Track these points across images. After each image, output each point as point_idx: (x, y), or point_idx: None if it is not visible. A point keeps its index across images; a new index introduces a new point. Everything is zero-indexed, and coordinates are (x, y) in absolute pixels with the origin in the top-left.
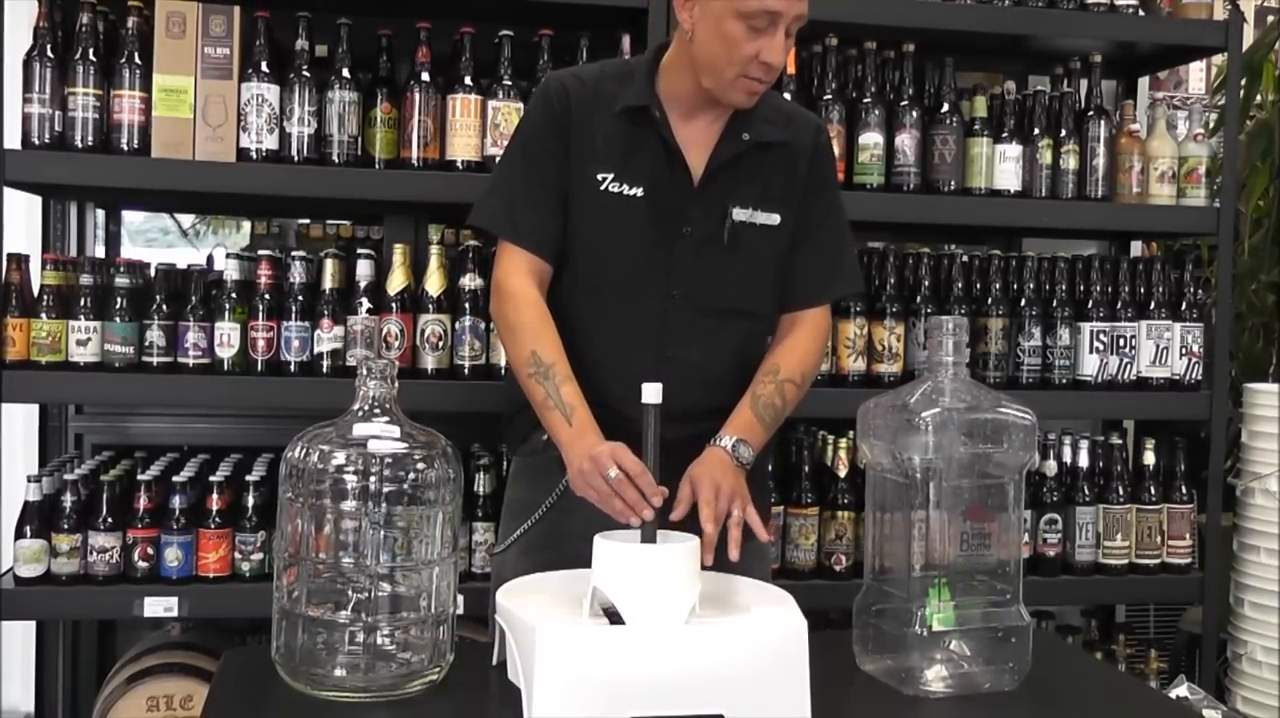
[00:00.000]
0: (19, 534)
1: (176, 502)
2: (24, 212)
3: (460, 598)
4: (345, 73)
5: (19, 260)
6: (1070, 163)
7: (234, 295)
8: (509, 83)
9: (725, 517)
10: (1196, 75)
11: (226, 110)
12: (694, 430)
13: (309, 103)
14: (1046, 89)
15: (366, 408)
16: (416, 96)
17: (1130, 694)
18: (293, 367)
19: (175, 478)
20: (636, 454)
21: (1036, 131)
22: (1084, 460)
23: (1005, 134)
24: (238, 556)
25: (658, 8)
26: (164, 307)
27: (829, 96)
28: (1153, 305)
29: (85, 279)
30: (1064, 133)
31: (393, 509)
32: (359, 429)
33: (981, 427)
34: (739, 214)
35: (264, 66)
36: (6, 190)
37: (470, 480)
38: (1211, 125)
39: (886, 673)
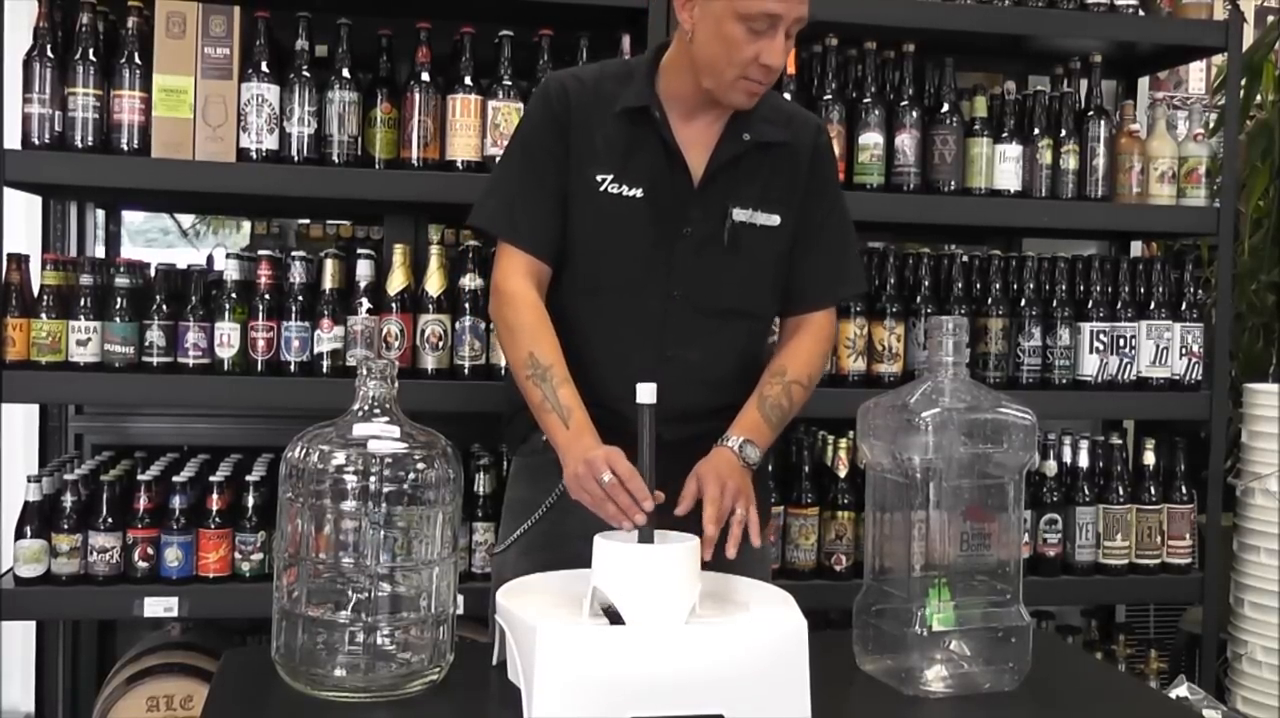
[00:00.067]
0: (19, 534)
1: (176, 502)
2: (24, 212)
3: (460, 598)
4: (345, 73)
5: (19, 260)
6: (1070, 163)
7: (234, 295)
8: (509, 83)
9: (729, 513)
10: (1196, 75)
11: (226, 110)
12: (694, 431)
13: (309, 103)
14: (1046, 89)
15: (366, 408)
16: (416, 96)
17: (1130, 694)
18: (293, 367)
19: (175, 478)
20: (634, 455)
21: (1036, 131)
22: (1084, 460)
23: (1005, 134)
24: (238, 556)
25: (658, 8)
26: (164, 307)
27: (829, 96)
28: (1153, 305)
29: (85, 279)
30: (1064, 133)
31: (393, 509)
32: (359, 429)
33: (981, 427)
34: (739, 214)
35: (264, 66)
36: (6, 190)
37: (470, 480)
38: (1211, 125)
39: (886, 673)
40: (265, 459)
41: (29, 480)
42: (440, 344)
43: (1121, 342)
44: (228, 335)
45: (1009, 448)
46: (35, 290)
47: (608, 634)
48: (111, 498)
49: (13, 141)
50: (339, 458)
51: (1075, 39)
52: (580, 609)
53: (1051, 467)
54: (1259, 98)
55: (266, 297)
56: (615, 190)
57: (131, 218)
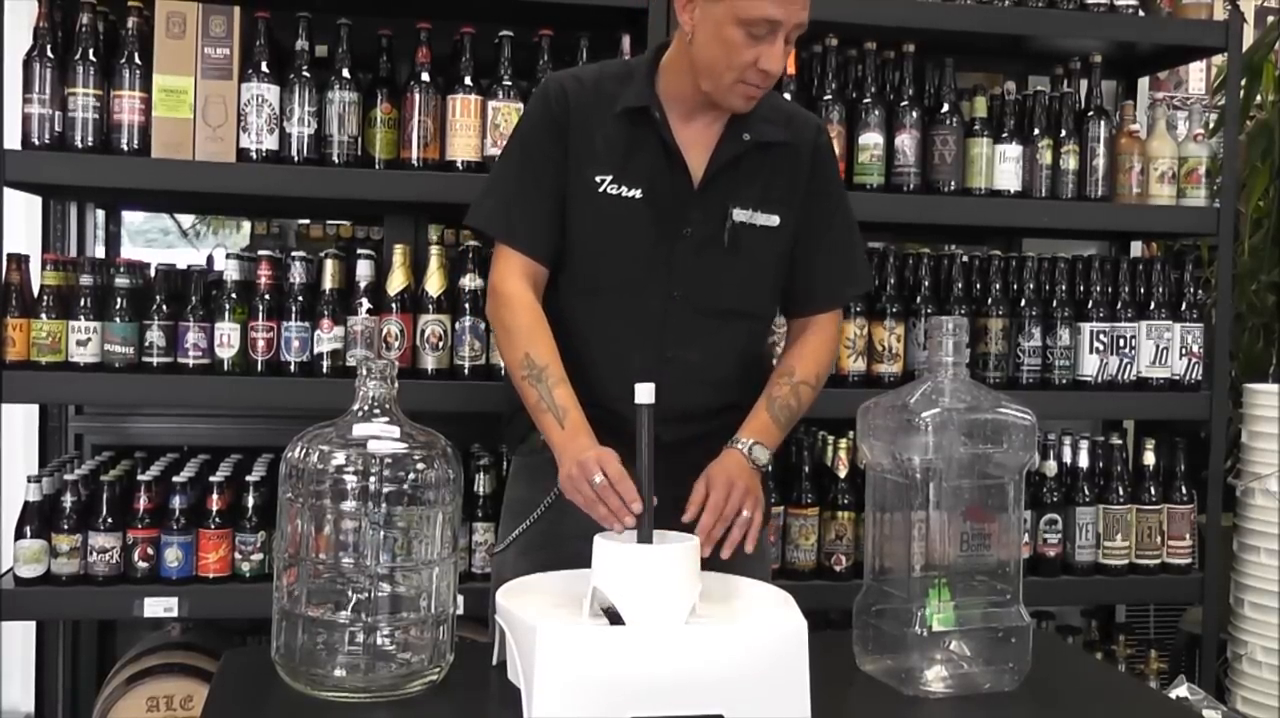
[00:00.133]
0: (19, 534)
1: (176, 502)
2: (24, 212)
3: (460, 598)
4: (345, 73)
5: (19, 260)
6: (1070, 163)
7: (234, 296)
8: (509, 83)
9: (735, 514)
10: (1196, 75)
11: (226, 110)
12: (694, 431)
13: (309, 103)
14: (1046, 89)
15: (366, 408)
16: (416, 97)
17: (1130, 694)
18: (293, 367)
19: (175, 478)
20: (633, 456)
21: (1036, 132)
22: (1084, 461)
23: (1005, 134)
24: (238, 556)
25: (658, 8)
26: (164, 307)
27: (829, 97)
28: (1153, 306)
29: (85, 279)
30: (1064, 133)
31: (393, 509)
32: (359, 429)
33: (981, 427)
34: (739, 215)
35: (264, 67)
36: (6, 190)
37: (470, 481)
38: (1211, 125)
39: (886, 673)
40: (265, 459)
41: (29, 481)
42: (440, 344)
43: (1121, 342)
44: (228, 335)
45: (1009, 448)
46: (35, 290)
47: (608, 634)
48: (111, 498)
49: (13, 142)
50: (339, 458)
51: (1075, 39)
52: (580, 609)
53: (1051, 467)
54: (1259, 98)
55: (266, 297)
56: (614, 191)
57: (131, 218)
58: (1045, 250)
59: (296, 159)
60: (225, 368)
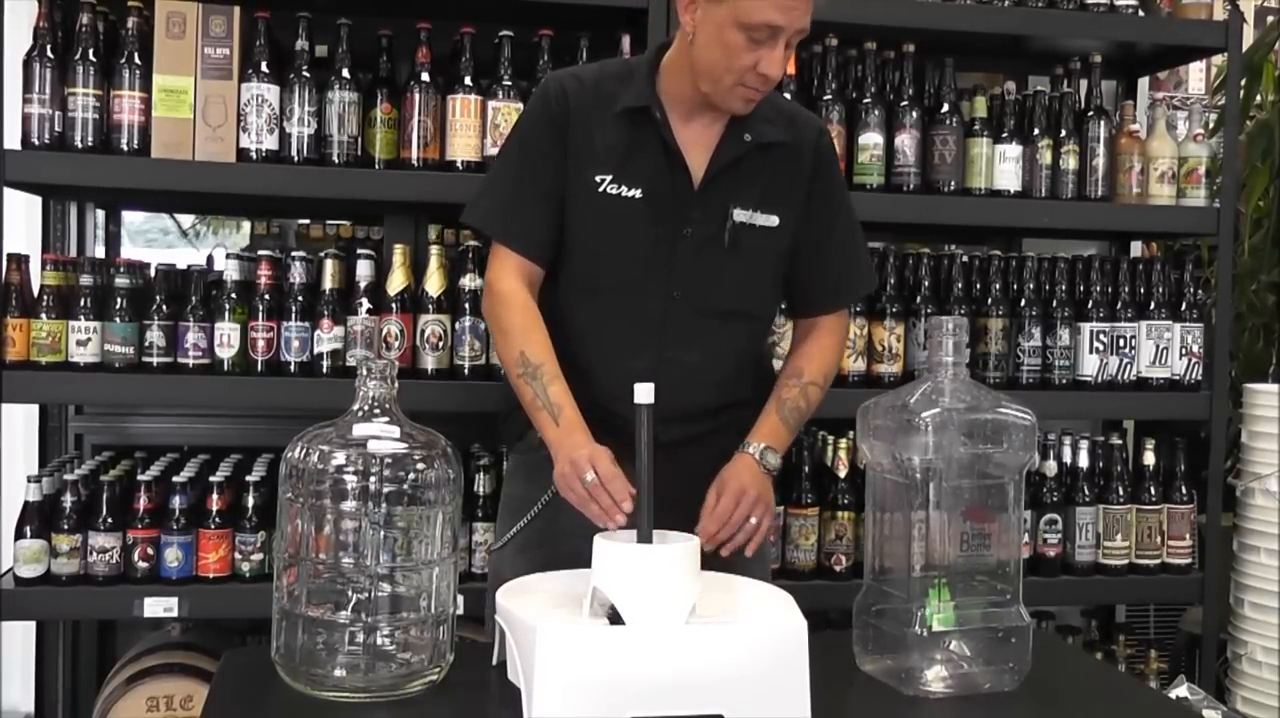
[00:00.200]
0: (19, 534)
1: (176, 502)
2: (24, 212)
3: (460, 598)
4: (345, 73)
5: (19, 260)
6: (1070, 163)
7: (234, 296)
8: (509, 83)
9: (743, 521)
10: (1196, 75)
11: (226, 110)
12: (692, 431)
13: (309, 103)
14: (1046, 89)
15: (366, 408)
16: (416, 97)
17: (1130, 694)
18: (293, 367)
19: (175, 478)
20: (629, 455)
21: (1036, 132)
22: (1084, 461)
23: (1005, 134)
24: (238, 556)
25: (658, 8)
26: (164, 307)
27: (829, 97)
28: (1153, 306)
29: (85, 279)
30: (1064, 133)
31: (393, 509)
32: (359, 429)
33: (981, 427)
34: (739, 215)
35: (264, 67)
36: (6, 190)
37: (470, 481)
38: (1211, 125)
39: (886, 673)
40: (265, 459)
41: (29, 481)
42: (440, 344)
43: (1121, 342)
44: (228, 335)
45: (1009, 448)
46: (35, 290)
47: (608, 634)
48: (111, 498)
49: (13, 142)
50: (339, 458)
51: (1075, 39)
52: (580, 609)
53: (1051, 467)
54: (1259, 98)
55: (266, 297)
56: (614, 191)
57: (131, 218)
58: (1045, 250)
59: (296, 159)
60: (225, 368)
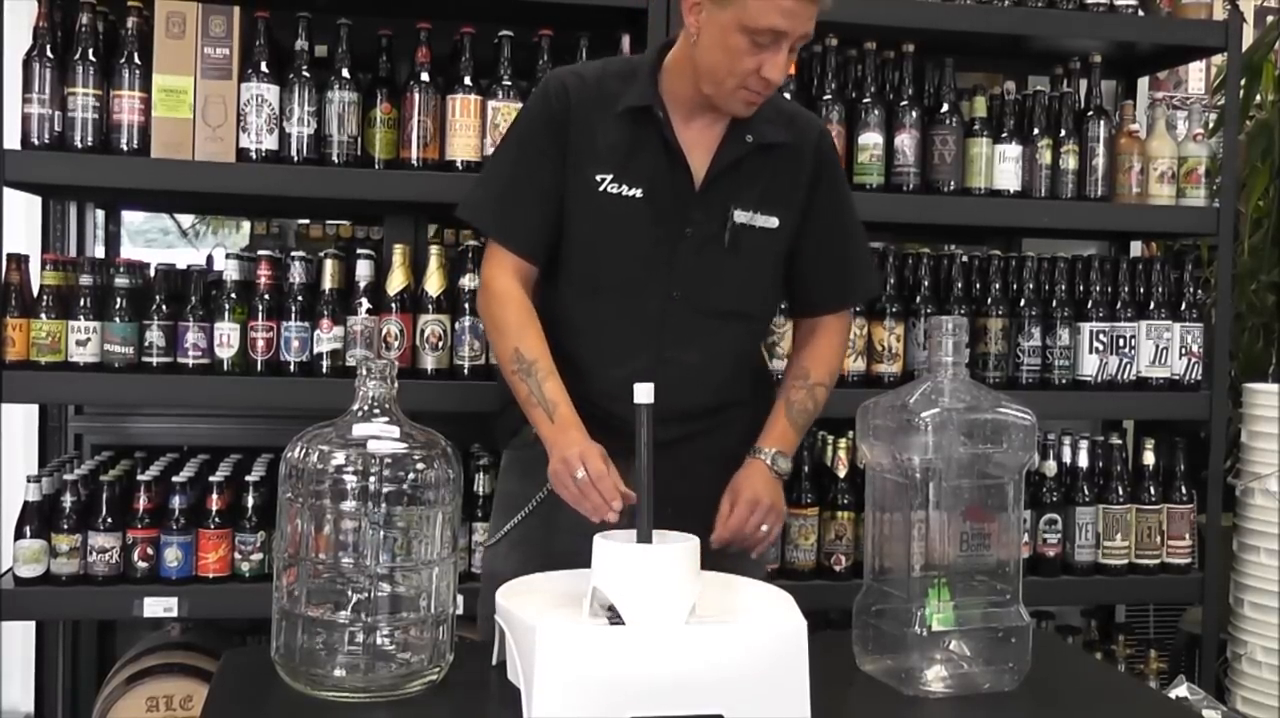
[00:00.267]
0: (19, 534)
1: (176, 502)
2: (24, 212)
3: (460, 598)
4: (345, 73)
5: (19, 260)
6: (1070, 163)
7: (234, 296)
8: (509, 83)
9: (757, 528)
10: (1196, 75)
11: (226, 110)
12: (689, 430)
13: (309, 103)
14: (1046, 89)
15: (366, 408)
16: (416, 97)
17: (1130, 694)
18: (292, 367)
19: (175, 478)
20: (622, 453)
21: (1036, 132)
22: (1084, 461)
23: (1005, 134)
24: (237, 556)
25: (658, 8)
26: (164, 307)
27: (829, 96)
28: (1152, 305)
29: (85, 279)
30: (1064, 133)
31: (392, 509)
32: (359, 429)
33: (981, 427)
34: (740, 216)
35: (264, 67)
36: (6, 190)
37: (470, 480)
38: (1211, 125)
39: (886, 673)
40: (265, 459)
41: (29, 481)
42: (440, 344)
43: (1121, 342)
44: (227, 335)
45: (1009, 448)
46: (35, 290)
47: (608, 634)
48: (111, 498)
49: (13, 142)
50: (339, 458)
51: (1075, 39)
52: (580, 609)
53: (1051, 467)
54: (1259, 98)
55: (266, 297)
56: (615, 190)
57: (131, 218)
58: (1045, 250)
59: (296, 159)
60: (225, 368)
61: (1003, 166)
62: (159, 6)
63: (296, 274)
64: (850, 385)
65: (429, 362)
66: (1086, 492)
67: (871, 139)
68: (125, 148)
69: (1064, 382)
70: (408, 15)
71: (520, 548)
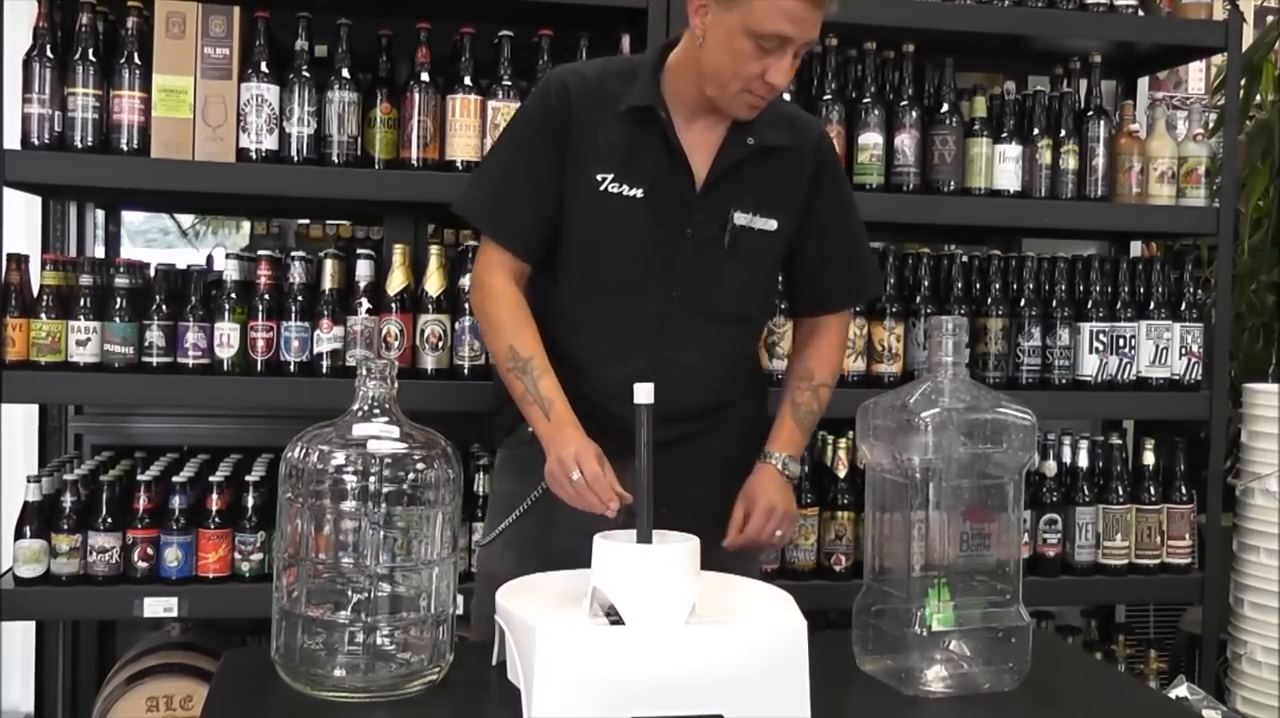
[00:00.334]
0: (19, 534)
1: (176, 502)
2: (24, 212)
3: (460, 598)
4: (345, 73)
5: (19, 260)
6: (1070, 163)
7: (234, 296)
8: (509, 83)
9: (771, 535)
10: (1196, 75)
11: (226, 110)
12: (686, 430)
13: (309, 103)
14: (1046, 89)
15: (366, 408)
16: (416, 97)
17: (1130, 694)
18: (292, 367)
19: (175, 478)
20: (617, 452)
21: (1036, 132)
22: (1084, 461)
23: (1005, 134)
24: (237, 556)
25: (658, 8)
26: (164, 307)
27: (829, 96)
28: (1152, 306)
29: (85, 279)
30: (1064, 133)
31: (392, 509)
32: (358, 429)
33: (981, 427)
34: (739, 218)
35: (264, 67)
36: (6, 190)
37: (470, 481)
38: (1211, 125)
39: (886, 673)
40: (265, 459)
41: (29, 481)
42: (440, 344)
43: (1121, 342)
44: (227, 335)
45: (1009, 448)
46: (35, 290)
47: (608, 634)
48: (111, 498)
49: (13, 142)
50: (339, 458)
51: (1075, 39)
52: (580, 609)
53: (1051, 467)
54: (1259, 98)
55: (266, 297)
56: (615, 190)
57: (131, 218)
58: (1045, 250)
59: (296, 159)
60: (225, 368)
61: (1003, 167)
62: (159, 6)
63: (296, 274)
64: (850, 385)
65: (429, 362)
66: (1086, 492)
67: (871, 139)
68: (125, 148)
69: (1064, 382)
70: (408, 15)
71: (515, 547)
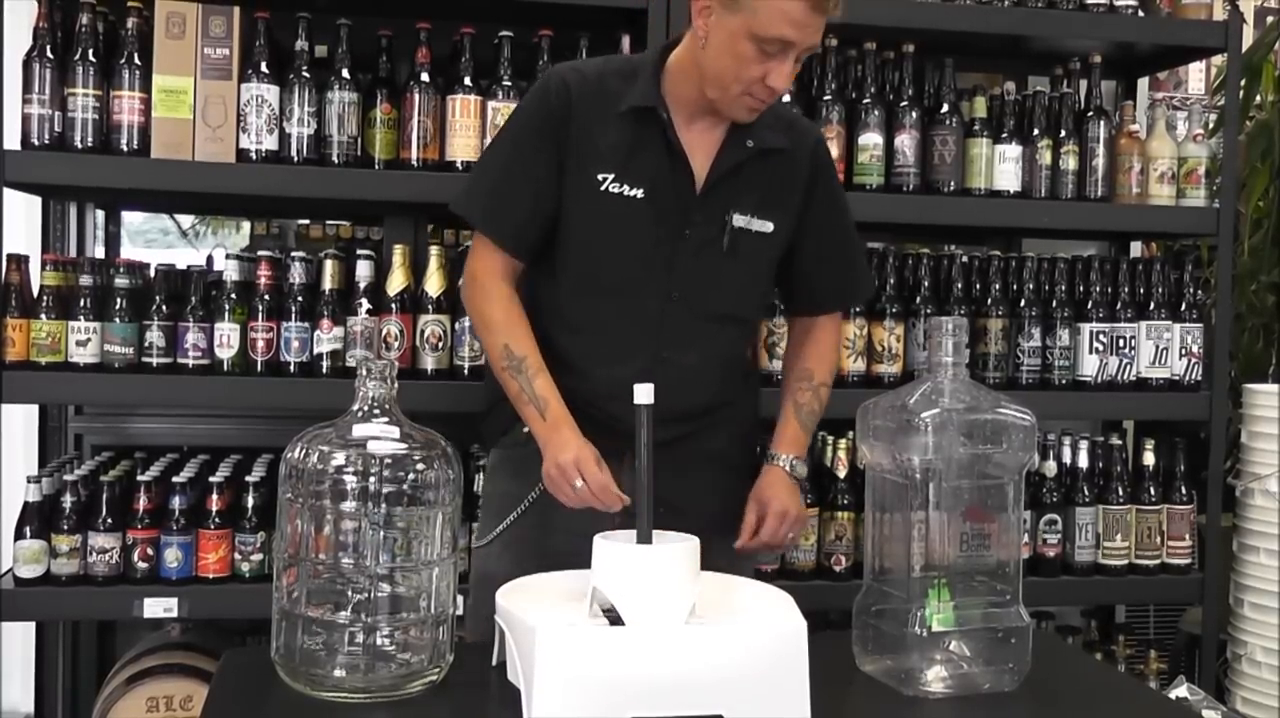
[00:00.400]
0: (19, 535)
1: (176, 502)
2: (24, 212)
3: (460, 598)
4: (345, 73)
5: (19, 261)
6: (1070, 163)
7: (234, 296)
8: (509, 83)
9: (783, 538)
10: (1196, 76)
11: (226, 111)
12: (682, 430)
13: (309, 103)
14: (1046, 89)
15: (366, 408)
16: (416, 97)
17: (1130, 695)
18: (292, 367)
19: (175, 479)
20: (614, 452)
21: (1036, 132)
22: (1084, 461)
23: (1005, 134)
24: (237, 556)
25: (658, 8)
26: (164, 307)
27: (829, 97)
28: (1152, 306)
29: (85, 280)
30: (1064, 133)
31: (392, 510)
32: (358, 430)
33: (981, 427)
34: (738, 220)
35: (264, 67)
36: (6, 191)
37: (470, 481)
38: (1211, 126)
39: (886, 674)
40: (265, 460)
41: (29, 481)
42: (440, 345)
43: (1121, 342)
44: (227, 336)
45: (1009, 448)
46: (35, 291)
47: (607, 635)
48: (111, 499)
49: (13, 142)
50: (339, 458)
51: (1075, 39)
52: (580, 609)
53: (1051, 467)
54: (1259, 98)
55: (266, 297)
56: (617, 190)
57: (131, 218)
58: (1045, 250)
59: (296, 159)
60: (225, 368)
61: (1003, 167)
62: (159, 7)
63: (296, 274)
64: (850, 386)
65: (429, 362)
66: (1086, 492)
67: (871, 139)
68: (125, 148)
69: (1064, 382)
70: (408, 15)
71: (513, 548)
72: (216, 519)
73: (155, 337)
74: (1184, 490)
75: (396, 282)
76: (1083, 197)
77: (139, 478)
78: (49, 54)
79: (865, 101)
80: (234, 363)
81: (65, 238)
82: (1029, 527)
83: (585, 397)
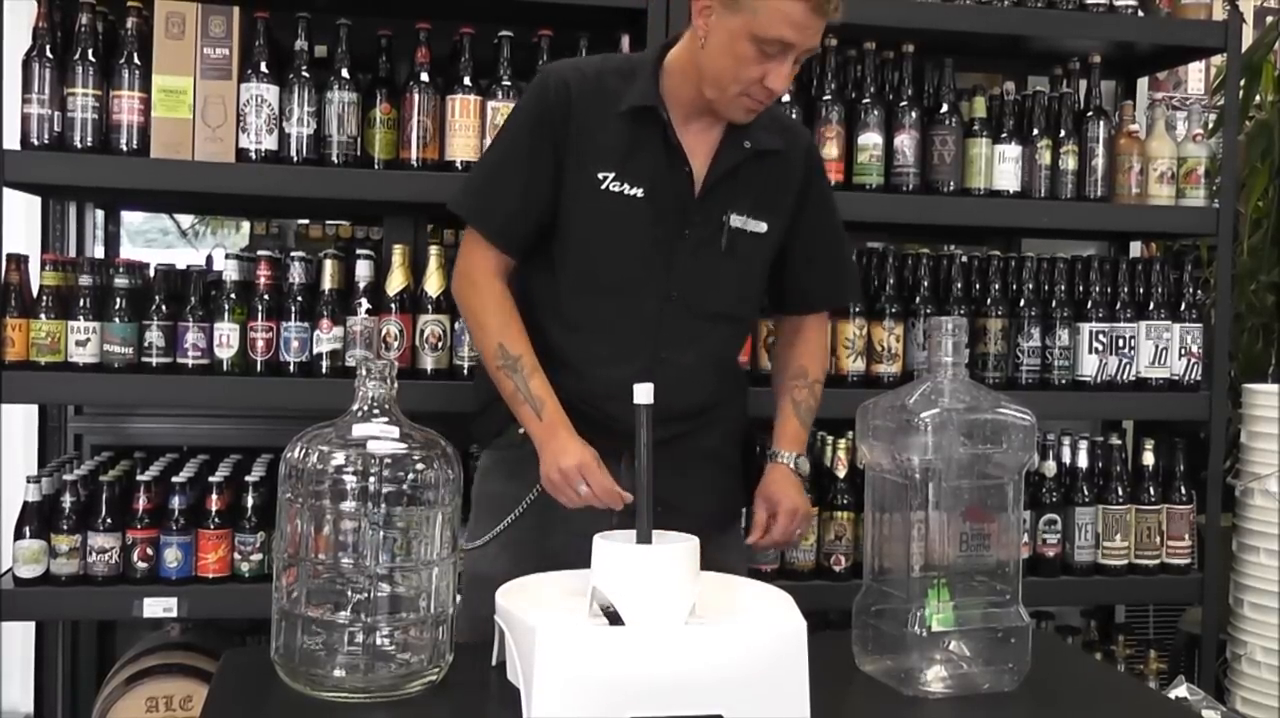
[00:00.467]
0: (18, 535)
1: (176, 502)
2: (23, 212)
3: (460, 598)
4: (345, 73)
5: (18, 261)
6: (1069, 163)
7: (233, 296)
8: (508, 83)
9: (792, 536)
10: (1196, 76)
11: (226, 111)
12: (678, 430)
13: (308, 103)
14: (1046, 89)
15: (366, 408)
16: (416, 97)
17: (1130, 695)
18: (292, 367)
19: (175, 478)
20: (610, 451)
21: (1036, 132)
22: (1083, 461)
23: (1004, 134)
24: (237, 556)
25: (657, 8)
26: (163, 307)
27: (828, 97)
28: (1152, 306)
29: (84, 280)
30: (1063, 133)
31: (392, 510)
32: (358, 430)
33: (981, 427)
34: (735, 221)
35: (263, 67)
36: (6, 190)
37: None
38: (1211, 126)
39: (886, 674)
40: (265, 460)
41: (28, 481)
42: (439, 344)
43: (1121, 342)
44: (227, 336)
45: (1008, 448)
46: (34, 291)
47: (607, 634)
48: (111, 498)
49: (12, 142)
50: (338, 458)
51: (1075, 39)
52: (580, 609)
53: (1051, 467)
54: (1258, 98)
55: (266, 297)
56: (617, 189)
57: (131, 218)
58: (1044, 250)
59: (296, 159)
60: (224, 368)
61: (1002, 167)
62: (159, 7)
63: (296, 274)
64: (850, 385)
65: (428, 362)
66: (1086, 492)
67: (871, 139)
68: (125, 148)
69: (1063, 382)
70: (408, 15)
71: (511, 549)
72: (216, 519)
73: (155, 337)
74: (1184, 490)
75: (396, 282)
76: (1082, 197)
77: (139, 478)
78: (49, 54)
79: (865, 101)
80: (233, 363)
81: (65, 238)
82: (1029, 527)
83: (582, 396)
